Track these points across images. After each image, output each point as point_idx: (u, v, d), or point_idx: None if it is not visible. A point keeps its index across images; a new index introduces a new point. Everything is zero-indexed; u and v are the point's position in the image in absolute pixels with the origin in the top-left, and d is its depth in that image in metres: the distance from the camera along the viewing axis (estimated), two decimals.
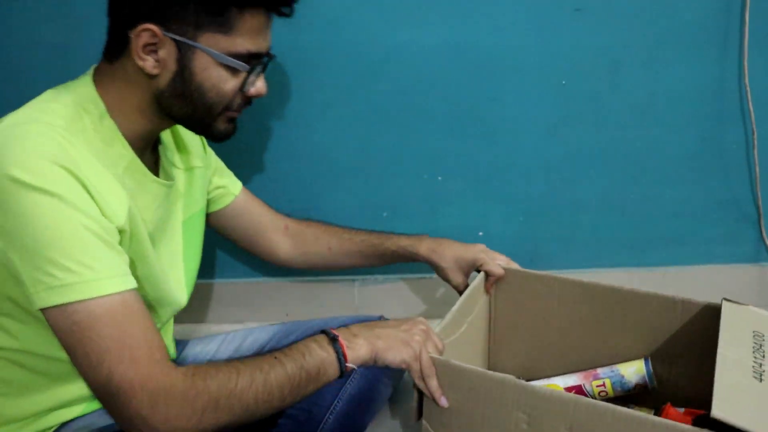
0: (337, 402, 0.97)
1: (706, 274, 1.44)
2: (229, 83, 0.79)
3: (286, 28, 1.20)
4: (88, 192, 0.69)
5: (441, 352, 0.83)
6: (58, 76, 1.23)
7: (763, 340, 0.79)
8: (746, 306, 0.83)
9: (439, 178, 1.34)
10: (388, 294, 1.44)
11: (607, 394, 0.97)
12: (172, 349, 0.98)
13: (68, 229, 0.66)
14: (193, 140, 0.97)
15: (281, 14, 0.81)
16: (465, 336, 0.99)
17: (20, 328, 0.75)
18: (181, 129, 0.94)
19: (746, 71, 1.26)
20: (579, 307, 1.01)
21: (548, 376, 1.04)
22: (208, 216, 1.05)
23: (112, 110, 0.77)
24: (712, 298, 1.46)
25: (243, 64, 0.78)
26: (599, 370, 0.98)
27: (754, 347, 0.77)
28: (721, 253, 1.43)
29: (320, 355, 0.76)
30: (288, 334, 1.08)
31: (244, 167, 1.31)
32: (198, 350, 1.08)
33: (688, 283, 1.45)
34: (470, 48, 1.23)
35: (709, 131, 1.33)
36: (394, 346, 0.80)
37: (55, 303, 0.65)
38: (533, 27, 1.22)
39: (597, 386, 0.97)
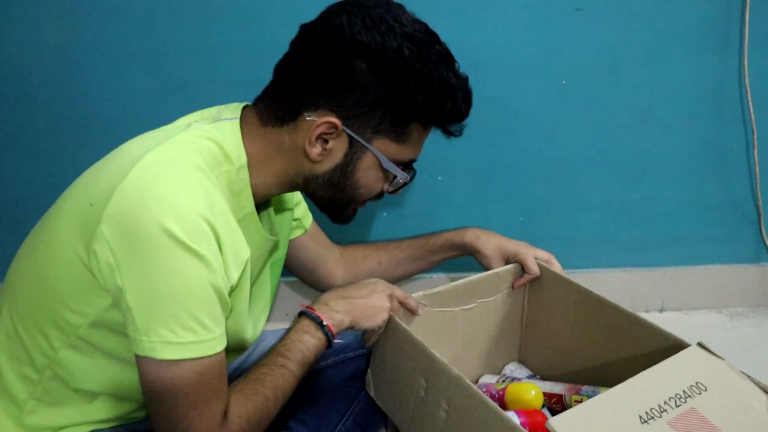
0: (354, 408, 0.99)
1: (706, 274, 1.44)
2: (381, 184, 0.82)
3: (286, 27, 1.20)
4: (221, 248, 0.69)
5: (413, 308, 0.94)
6: (58, 76, 1.23)
7: (696, 393, 0.76)
8: (719, 359, 0.80)
9: (439, 178, 1.34)
10: None
11: None
12: None
13: (202, 291, 0.67)
14: None
15: (450, 134, 0.83)
16: (475, 314, 1.06)
17: (82, 360, 0.74)
18: None
19: (746, 71, 1.26)
20: (591, 321, 1.00)
21: (553, 379, 1.05)
22: None
23: (251, 166, 0.77)
24: (712, 298, 1.48)
25: (405, 174, 0.82)
26: (583, 387, 0.98)
27: (676, 395, 0.75)
28: (721, 253, 1.44)
29: (315, 344, 0.81)
30: None
31: None
32: None
33: (688, 283, 1.45)
34: (470, 48, 1.23)
35: (709, 131, 1.33)
36: (370, 314, 0.87)
37: (169, 358, 0.66)
38: (533, 27, 1.22)
39: (575, 401, 0.97)
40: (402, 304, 0.96)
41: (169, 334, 0.65)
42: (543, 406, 1.00)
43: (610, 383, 0.93)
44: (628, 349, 0.94)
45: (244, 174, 0.76)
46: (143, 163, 0.67)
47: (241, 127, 0.77)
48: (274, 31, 1.20)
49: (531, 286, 1.10)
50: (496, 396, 1.02)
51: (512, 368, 1.14)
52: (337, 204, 0.84)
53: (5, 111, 1.24)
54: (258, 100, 0.80)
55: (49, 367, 0.74)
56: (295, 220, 1.04)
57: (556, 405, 0.99)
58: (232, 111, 0.80)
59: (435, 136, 1.30)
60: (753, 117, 1.30)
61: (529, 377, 1.11)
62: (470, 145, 1.31)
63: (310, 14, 1.19)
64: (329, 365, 1.05)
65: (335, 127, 0.74)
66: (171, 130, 0.76)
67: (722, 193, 1.38)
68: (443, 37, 1.23)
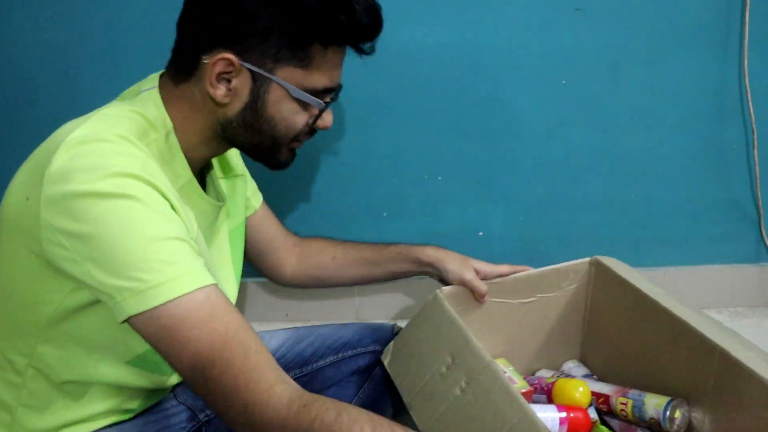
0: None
1: (706, 274, 1.44)
2: (300, 117, 0.78)
3: None
4: (170, 203, 0.68)
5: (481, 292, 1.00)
6: (58, 76, 1.23)
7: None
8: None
9: (439, 178, 1.34)
10: (388, 294, 1.44)
11: (626, 414, 0.96)
12: None
13: (152, 231, 0.65)
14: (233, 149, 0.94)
15: (362, 52, 0.79)
16: (534, 308, 1.08)
17: (59, 352, 0.73)
18: None
19: (746, 71, 1.26)
20: (647, 325, 0.98)
21: (610, 382, 1.04)
22: None
23: (177, 130, 0.76)
24: (712, 298, 1.48)
25: (318, 100, 0.77)
26: (631, 391, 0.97)
27: None
28: (721, 253, 1.44)
29: None
30: (299, 341, 1.07)
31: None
32: None
33: (688, 283, 1.45)
34: (470, 48, 1.23)
35: (709, 131, 1.33)
36: None
37: (145, 308, 0.63)
38: (533, 27, 1.22)
39: (620, 403, 0.97)
40: (470, 285, 0.99)
41: (136, 284, 0.63)
42: (591, 405, 1.00)
43: (664, 392, 0.93)
44: (677, 359, 0.92)
45: (173, 140, 0.75)
46: (67, 143, 0.66)
47: (160, 94, 0.76)
48: None
49: (594, 287, 1.09)
50: (545, 389, 1.03)
51: (570, 366, 1.14)
52: (263, 147, 0.80)
53: (5, 111, 1.24)
54: (169, 63, 0.78)
55: (30, 365, 0.74)
56: (246, 199, 1.02)
57: (603, 405, 0.99)
58: (150, 81, 0.78)
59: (435, 136, 1.31)
60: (753, 117, 1.30)
61: (586, 376, 1.10)
62: (470, 145, 1.31)
63: None
64: (328, 364, 1.05)
65: (232, 63, 0.72)
66: (93, 113, 0.75)
67: (722, 193, 1.38)
68: (443, 37, 1.24)
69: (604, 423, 1.00)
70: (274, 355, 1.04)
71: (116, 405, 0.80)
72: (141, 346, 0.75)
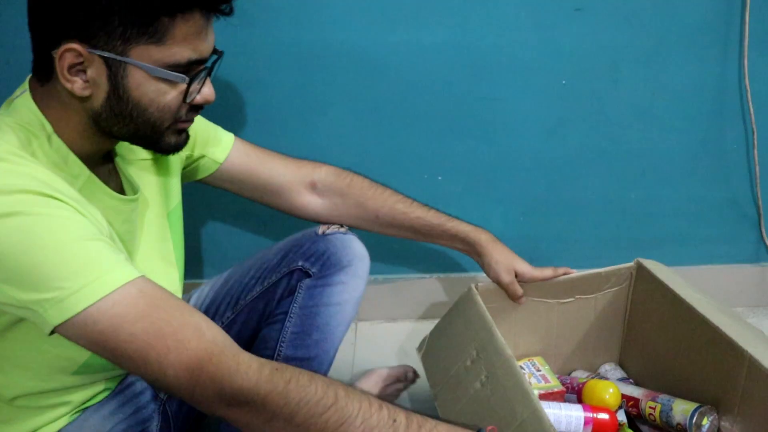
0: (280, 346, 0.93)
1: (706, 274, 1.44)
2: (169, 96, 0.72)
3: (286, 27, 1.20)
4: (74, 208, 0.65)
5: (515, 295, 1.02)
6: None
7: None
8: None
9: (439, 178, 1.34)
10: (388, 293, 1.44)
11: (654, 419, 0.96)
12: None
13: (63, 237, 0.62)
14: None
15: (220, 13, 0.73)
16: (573, 309, 1.09)
17: None
18: None
19: (746, 71, 1.26)
20: (683, 331, 0.98)
21: (647, 387, 1.04)
22: (203, 180, 0.99)
23: (58, 130, 0.72)
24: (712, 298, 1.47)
25: (181, 75, 0.71)
26: (660, 395, 0.97)
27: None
28: (721, 253, 1.44)
29: None
30: (227, 282, 1.02)
31: None
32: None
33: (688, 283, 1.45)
34: (470, 48, 1.23)
35: (709, 131, 1.33)
36: None
37: (70, 315, 0.60)
38: (533, 27, 1.22)
39: (649, 407, 0.97)
40: (506, 288, 1.00)
41: (57, 293, 0.60)
42: (621, 407, 1.00)
43: (696, 398, 0.93)
44: (709, 365, 0.92)
45: (57, 141, 0.71)
46: None
47: (32, 97, 0.72)
48: (273, 32, 1.20)
49: (634, 291, 1.10)
50: (576, 389, 1.03)
51: (608, 368, 1.14)
52: (143, 134, 0.74)
53: None
54: (32, 65, 0.74)
55: None
56: (192, 160, 0.96)
57: (633, 409, 0.99)
58: (22, 86, 0.75)
59: (435, 136, 1.31)
60: (753, 117, 1.30)
61: (621, 380, 1.10)
62: (470, 145, 1.31)
63: (310, 15, 1.19)
64: (256, 296, 0.99)
65: (79, 53, 0.67)
66: None
67: (722, 193, 1.38)
68: (443, 37, 1.24)
69: (632, 426, 1.00)
70: (206, 300, 1.01)
71: (81, 399, 0.79)
72: (82, 355, 0.73)
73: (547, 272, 1.06)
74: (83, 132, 0.73)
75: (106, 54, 0.68)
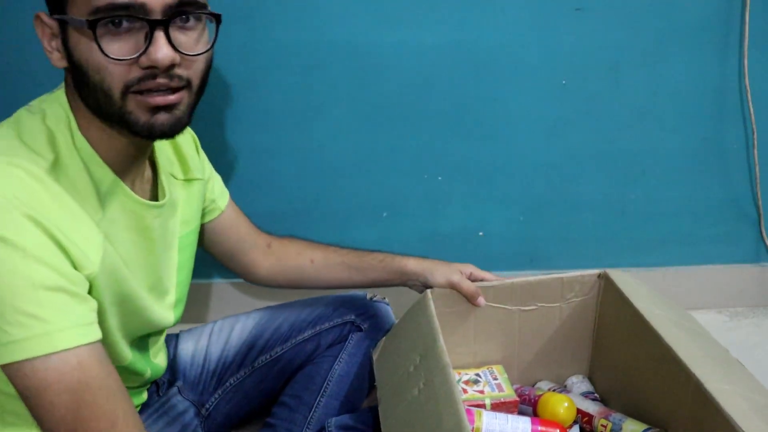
0: (327, 384, 0.99)
1: (706, 274, 1.44)
2: (95, 53, 0.63)
3: (286, 27, 1.21)
4: (56, 241, 0.63)
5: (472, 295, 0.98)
6: (58, 76, 1.23)
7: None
8: None
9: (439, 178, 1.34)
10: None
11: None
12: (163, 357, 0.94)
13: (22, 281, 0.60)
14: (189, 148, 0.90)
15: None
16: (535, 318, 1.05)
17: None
18: (179, 137, 0.78)
19: (746, 71, 1.26)
20: (641, 349, 0.94)
21: (610, 404, 1.03)
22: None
23: (81, 126, 0.69)
24: (712, 298, 1.48)
25: (80, 20, 0.62)
26: (614, 413, 0.96)
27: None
28: (721, 253, 1.44)
29: None
30: (275, 318, 1.07)
31: (243, 167, 1.31)
32: (191, 347, 1.05)
33: (688, 283, 1.45)
34: (470, 48, 1.23)
35: (709, 131, 1.33)
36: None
37: (4, 361, 0.60)
38: (533, 27, 1.22)
39: (601, 425, 0.95)
40: (459, 289, 0.97)
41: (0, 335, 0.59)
42: (576, 422, 0.99)
43: (649, 419, 0.90)
44: (660, 386, 0.88)
45: (81, 142, 0.69)
46: None
47: (66, 90, 0.71)
48: (273, 32, 1.20)
49: (602, 302, 1.05)
50: (532, 401, 1.01)
51: (574, 380, 1.11)
52: (105, 107, 0.66)
53: (6, 112, 1.24)
54: None
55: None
56: (211, 201, 0.97)
57: (586, 425, 0.98)
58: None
59: (435, 136, 1.31)
60: (753, 117, 1.30)
61: (585, 394, 1.07)
62: (470, 145, 1.31)
63: (310, 15, 1.20)
64: (307, 338, 1.05)
65: (42, 20, 0.66)
66: None
67: (722, 193, 1.38)
68: (443, 37, 1.24)
69: None
70: (250, 334, 1.05)
71: None
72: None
73: (489, 275, 1.04)
74: (93, 120, 0.69)
75: (57, 16, 0.65)
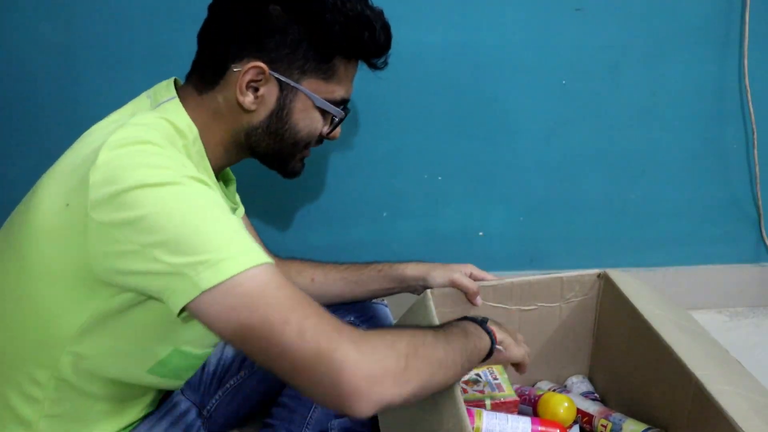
0: None
1: (706, 274, 1.44)
2: (320, 125, 0.83)
3: None
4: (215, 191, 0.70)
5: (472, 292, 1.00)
6: (58, 76, 1.23)
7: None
8: None
9: (439, 178, 1.34)
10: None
11: None
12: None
13: (208, 206, 0.65)
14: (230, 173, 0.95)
15: (375, 67, 0.83)
16: (535, 317, 1.05)
17: (79, 362, 0.72)
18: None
19: (746, 71, 1.26)
20: (642, 349, 0.94)
21: (610, 404, 1.03)
22: None
23: (203, 137, 0.78)
24: (712, 298, 1.48)
25: (339, 110, 0.82)
26: (614, 413, 0.96)
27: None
28: (721, 253, 1.44)
29: (477, 341, 0.78)
30: None
31: (242, 167, 1.31)
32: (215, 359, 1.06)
33: (688, 283, 1.45)
34: (470, 48, 1.23)
35: (709, 131, 1.33)
36: (514, 344, 0.87)
37: (223, 278, 0.61)
38: (533, 27, 1.22)
39: (601, 425, 0.96)
40: (460, 286, 0.98)
41: (212, 256, 0.61)
42: (576, 423, 0.99)
43: (649, 419, 0.90)
44: (660, 386, 0.88)
45: (199, 146, 0.77)
46: (108, 146, 0.66)
47: (183, 103, 0.77)
48: None
49: (602, 302, 1.05)
50: (532, 401, 1.01)
51: (574, 381, 1.11)
52: (282, 154, 0.84)
53: (6, 111, 1.24)
54: (189, 74, 0.81)
55: (53, 377, 0.73)
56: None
57: (587, 425, 0.98)
58: (165, 91, 0.79)
59: (435, 136, 1.31)
60: (753, 117, 1.30)
61: (585, 394, 1.07)
62: (470, 145, 1.31)
63: None
64: None
65: (262, 72, 0.76)
66: (120, 119, 0.75)
67: (722, 193, 1.38)
68: (444, 37, 1.24)
69: None
70: None
71: (143, 404, 0.83)
72: (164, 350, 0.75)
73: (488, 275, 1.04)
74: (226, 143, 0.81)
75: (283, 78, 0.77)
